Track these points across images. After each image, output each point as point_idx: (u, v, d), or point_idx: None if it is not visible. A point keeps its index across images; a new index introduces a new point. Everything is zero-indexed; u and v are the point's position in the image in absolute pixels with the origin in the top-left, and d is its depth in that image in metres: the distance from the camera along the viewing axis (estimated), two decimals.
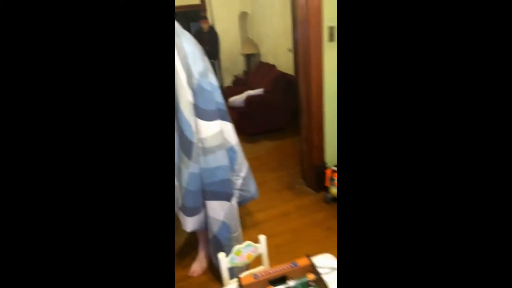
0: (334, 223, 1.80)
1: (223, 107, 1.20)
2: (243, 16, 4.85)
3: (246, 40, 4.83)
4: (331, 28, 1.78)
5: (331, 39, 1.80)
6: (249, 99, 3.10)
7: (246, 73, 4.86)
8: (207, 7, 4.75)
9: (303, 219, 1.87)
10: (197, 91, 1.07)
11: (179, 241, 1.78)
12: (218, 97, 1.17)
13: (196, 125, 1.11)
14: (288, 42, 3.56)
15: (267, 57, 4.36)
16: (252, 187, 1.42)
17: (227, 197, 1.24)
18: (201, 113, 1.10)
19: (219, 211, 1.22)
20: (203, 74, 1.08)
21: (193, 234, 1.57)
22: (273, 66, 3.72)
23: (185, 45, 1.04)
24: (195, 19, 4.57)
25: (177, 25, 1.08)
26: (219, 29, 4.55)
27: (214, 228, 1.25)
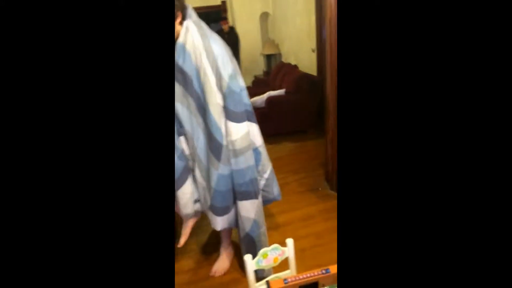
0: None
1: (250, 108, 1.21)
2: (264, 16, 4.84)
3: (267, 40, 4.82)
4: None
5: None
6: (270, 99, 3.07)
7: (266, 73, 4.84)
8: (228, 8, 4.78)
9: (327, 223, 1.82)
10: (227, 93, 1.08)
11: (202, 239, 1.78)
12: (246, 98, 1.18)
13: (226, 127, 1.12)
14: (311, 42, 3.51)
15: (289, 58, 4.32)
16: (275, 189, 1.42)
17: (256, 195, 1.25)
18: (231, 115, 1.11)
19: (251, 209, 1.24)
20: (233, 77, 1.08)
21: (216, 233, 1.56)
22: (295, 66, 3.67)
23: (214, 47, 1.04)
24: (216, 20, 4.62)
25: (205, 27, 1.08)
26: (240, 29, 4.57)
27: (247, 227, 1.27)
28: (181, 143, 1.17)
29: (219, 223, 1.26)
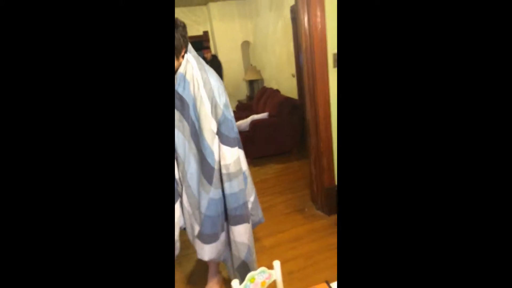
0: None
1: (238, 135, 1.28)
2: (246, 44, 5.06)
3: (249, 67, 5.00)
4: (335, 55, 1.85)
5: (335, 65, 1.87)
6: (254, 123, 3.14)
7: (249, 98, 4.98)
8: (210, 38, 4.98)
9: (315, 244, 1.83)
10: (221, 120, 1.16)
11: (187, 269, 1.73)
12: (235, 126, 1.27)
13: (221, 151, 1.17)
14: (291, 68, 3.69)
15: (271, 83, 4.49)
16: (259, 211, 1.46)
17: (248, 219, 1.27)
18: (226, 140, 1.17)
19: (244, 234, 1.25)
20: (226, 106, 1.18)
21: (203, 261, 1.53)
22: (277, 91, 3.82)
23: (211, 80, 1.14)
24: (199, 49, 4.80)
25: (203, 62, 1.19)
26: (222, 57, 4.74)
27: (242, 254, 1.26)
28: None
29: (207, 252, 1.24)
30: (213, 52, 4.86)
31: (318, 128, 1.96)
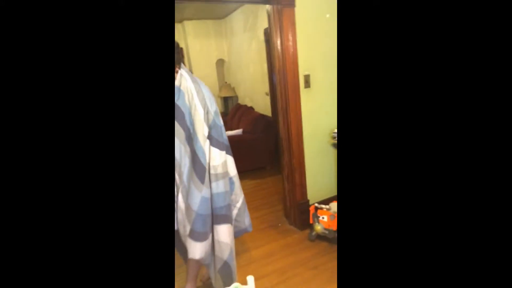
0: (320, 262, 1.80)
1: (227, 142, 1.39)
2: (220, 62, 5.16)
3: (224, 84, 5.08)
4: (306, 77, 1.98)
5: (306, 86, 1.99)
6: (229, 139, 3.18)
7: (223, 114, 5.02)
8: (185, 55, 5.02)
9: (288, 259, 1.85)
10: (212, 126, 1.29)
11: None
12: (224, 133, 1.39)
13: (211, 153, 1.28)
14: (265, 86, 3.81)
15: (245, 100, 4.58)
16: (247, 220, 1.49)
17: (231, 220, 1.35)
18: (215, 143, 1.29)
19: (227, 235, 1.31)
20: (217, 113, 1.33)
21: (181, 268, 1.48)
22: (251, 108, 3.91)
23: (203, 90, 1.29)
24: None
25: (195, 76, 1.32)
26: (197, 74, 4.76)
27: (225, 254, 1.30)
28: None
29: (198, 250, 1.26)
30: (188, 68, 4.88)
31: (290, 145, 2.03)
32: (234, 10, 4.24)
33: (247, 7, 3.88)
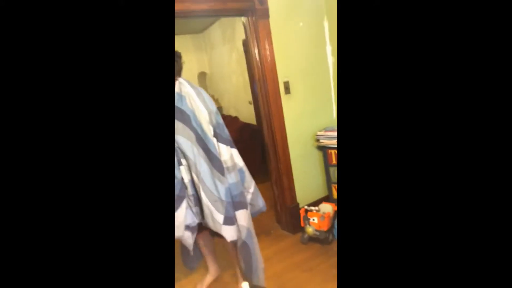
0: (314, 264, 1.82)
1: (229, 137, 1.51)
2: (202, 75, 5.21)
3: None
4: (286, 83, 2.04)
5: (287, 92, 2.05)
6: None
7: None
8: None
9: (283, 263, 1.86)
10: (215, 125, 1.42)
11: None
12: (225, 128, 1.52)
13: (219, 149, 1.41)
14: (248, 96, 3.87)
15: (229, 110, 4.62)
16: (260, 201, 1.64)
17: (246, 205, 1.52)
18: (221, 139, 1.42)
19: (243, 219, 1.49)
20: (217, 113, 1.46)
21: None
22: (236, 117, 3.94)
23: (202, 92, 1.43)
24: None
25: (192, 83, 1.43)
26: None
27: (243, 234, 1.49)
28: (181, 172, 1.36)
29: (233, 232, 1.43)
30: None
31: (276, 151, 2.07)
32: (211, 24, 4.32)
33: (224, 20, 3.96)
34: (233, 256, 1.70)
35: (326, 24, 2.16)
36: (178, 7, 1.57)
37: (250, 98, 3.83)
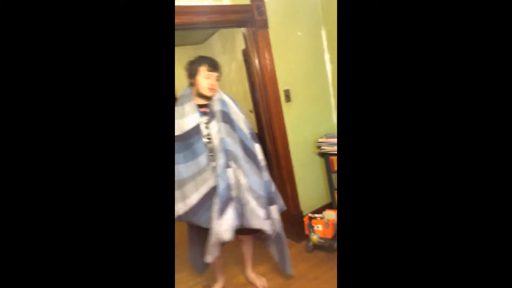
0: (320, 272, 1.80)
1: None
2: None
3: None
4: (286, 91, 2.06)
5: (287, 100, 2.06)
6: None
7: None
8: None
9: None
10: (249, 126, 1.59)
11: None
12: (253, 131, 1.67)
13: (255, 149, 1.57)
14: (248, 104, 3.89)
15: None
16: (280, 200, 1.72)
17: (275, 202, 1.64)
18: (255, 139, 1.59)
19: (276, 212, 1.63)
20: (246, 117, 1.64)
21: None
22: None
23: (234, 102, 1.60)
24: None
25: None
26: None
27: (277, 227, 1.62)
28: (227, 173, 1.45)
29: (270, 226, 1.54)
30: None
31: (278, 159, 2.07)
32: (212, 35, 4.39)
33: (224, 31, 4.03)
34: (247, 257, 1.79)
35: (323, 33, 2.19)
36: (179, 19, 1.60)
37: (250, 106, 3.84)
